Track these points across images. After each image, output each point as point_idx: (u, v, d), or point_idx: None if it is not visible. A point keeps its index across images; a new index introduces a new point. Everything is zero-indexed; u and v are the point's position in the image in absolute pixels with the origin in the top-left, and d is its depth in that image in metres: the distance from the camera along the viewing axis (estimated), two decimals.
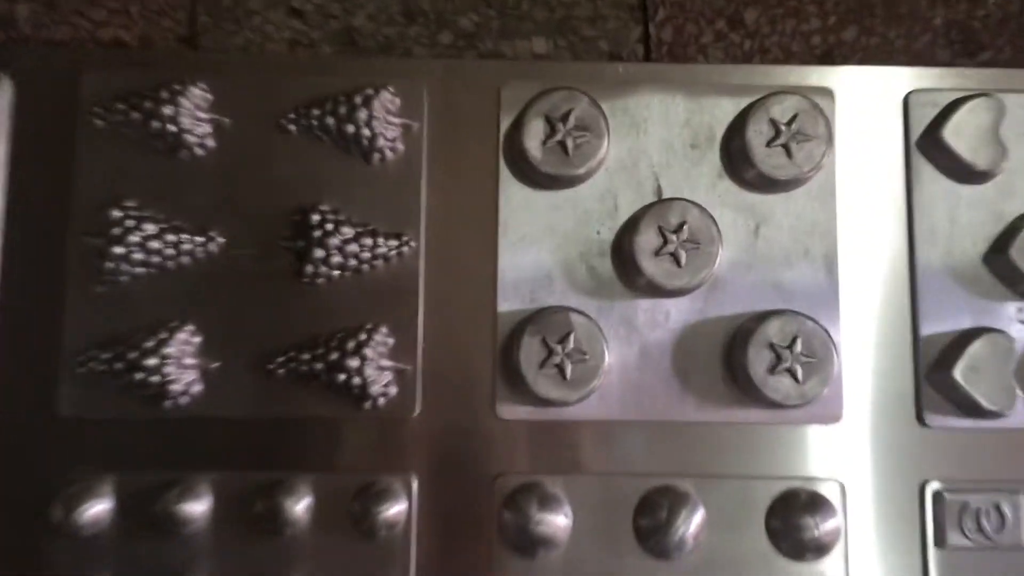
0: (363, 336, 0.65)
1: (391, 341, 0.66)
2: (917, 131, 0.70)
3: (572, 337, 0.65)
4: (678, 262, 0.65)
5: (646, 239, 0.66)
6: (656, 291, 0.66)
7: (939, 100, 0.70)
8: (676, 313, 0.68)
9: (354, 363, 0.64)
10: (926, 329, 0.68)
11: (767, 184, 0.68)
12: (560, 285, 0.68)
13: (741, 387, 0.66)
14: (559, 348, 0.64)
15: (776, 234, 0.69)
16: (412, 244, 0.68)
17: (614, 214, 0.69)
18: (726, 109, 0.70)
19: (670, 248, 0.65)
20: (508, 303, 0.67)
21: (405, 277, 0.67)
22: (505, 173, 0.69)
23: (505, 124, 0.69)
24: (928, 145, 0.69)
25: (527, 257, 0.68)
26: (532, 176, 0.68)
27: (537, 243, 0.68)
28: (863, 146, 0.70)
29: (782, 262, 0.68)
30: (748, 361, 0.65)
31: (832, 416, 0.67)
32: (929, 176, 0.69)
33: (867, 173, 0.70)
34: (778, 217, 0.69)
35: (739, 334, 0.67)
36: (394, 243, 0.67)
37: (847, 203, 0.69)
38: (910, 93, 0.70)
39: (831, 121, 0.68)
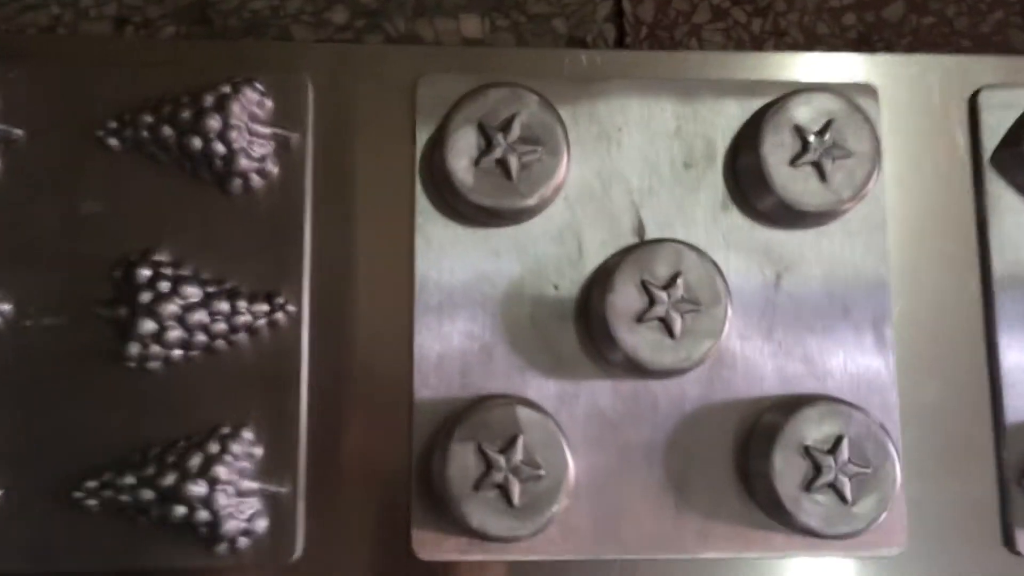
0: (214, 447, 0.44)
1: (258, 452, 0.46)
2: (991, 142, 0.51)
3: (520, 443, 0.44)
4: (670, 330, 0.45)
5: (624, 298, 0.46)
6: (640, 371, 0.47)
7: (1018, 100, 0.51)
8: (668, 402, 0.48)
9: (199, 489, 0.43)
10: (1013, 416, 0.49)
11: (791, 217, 0.49)
12: (502, 364, 0.48)
13: (763, 506, 0.47)
14: (502, 460, 0.44)
15: (805, 287, 0.49)
16: (290, 308, 0.47)
17: (578, 262, 0.49)
18: (731, 114, 0.50)
19: (658, 311, 0.45)
20: (429, 390, 0.47)
21: (280, 356, 0.47)
22: (423, 204, 0.49)
23: (423, 136, 0.49)
24: (1007, 160, 0.50)
25: (455, 323, 0.48)
26: (461, 208, 0.48)
27: (470, 303, 0.48)
28: (916, 163, 0.51)
29: (815, 326, 0.49)
30: (773, 471, 0.45)
31: (892, 544, 0.47)
32: (1010, 203, 0.50)
33: (926, 201, 0.51)
34: (808, 263, 0.49)
35: (759, 432, 0.47)
36: (263, 308, 0.47)
37: (901, 243, 0.50)
38: (979, 90, 0.51)
39: (877, 129, 0.48)
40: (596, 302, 0.47)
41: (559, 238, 0.49)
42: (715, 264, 0.47)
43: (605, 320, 0.46)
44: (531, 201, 0.47)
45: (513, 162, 0.46)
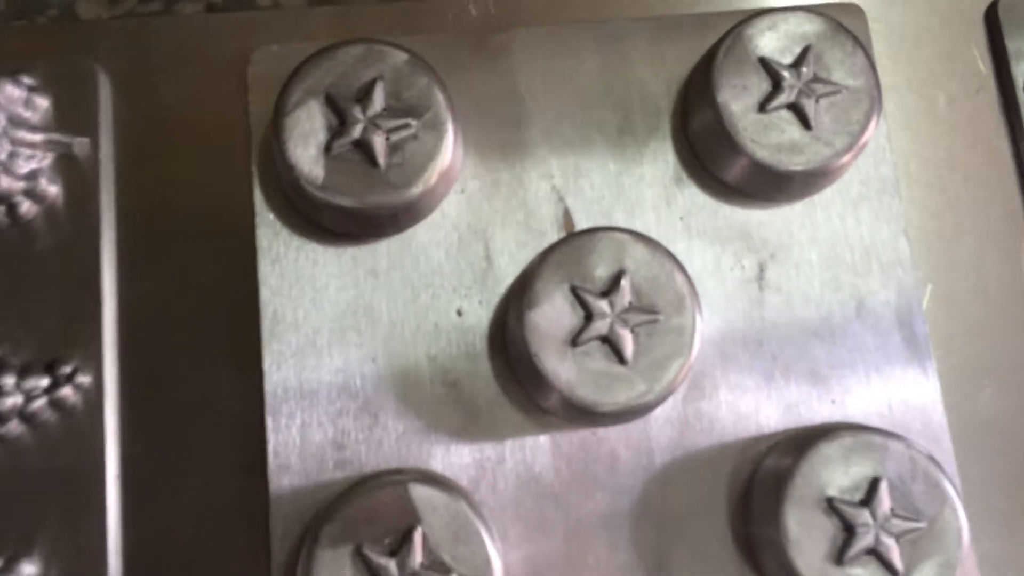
0: None
1: None
2: (1022, 64, 0.38)
3: (418, 538, 0.31)
4: (618, 353, 0.32)
5: (550, 314, 0.32)
6: (585, 415, 0.33)
7: None
8: (631, 456, 0.34)
9: None
10: None
11: (770, 184, 0.36)
12: (392, 427, 0.34)
13: None
14: (392, 567, 0.30)
15: (799, 278, 0.36)
16: (83, 380, 0.33)
17: (486, 275, 0.35)
18: (675, 58, 0.38)
19: (598, 327, 0.32)
20: (289, 476, 0.33)
21: (74, 449, 0.33)
22: (266, 217, 0.35)
23: (259, 127, 0.36)
24: None
25: (322, 376, 0.34)
26: (316, 216, 0.35)
27: (341, 346, 0.34)
28: (925, 100, 0.39)
29: (819, 329, 0.36)
30: (786, 538, 0.31)
31: None
32: None
33: (945, 147, 0.38)
34: (799, 245, 0.36)
35: (760, 484, 0.34)
36: (40, 382, 0.33)
37: (921, 205, 0.37)
38: (995, 1, 0.39)
39: (871, 54, 0.36)
40: (514, 325, 0.33)
41: (458, 245, 0.36)
42: (671, 255, 0.33)
43: (527, 348, 0.32)
44: (410, 194, 0.34)
45: (377, 142, 0.33)
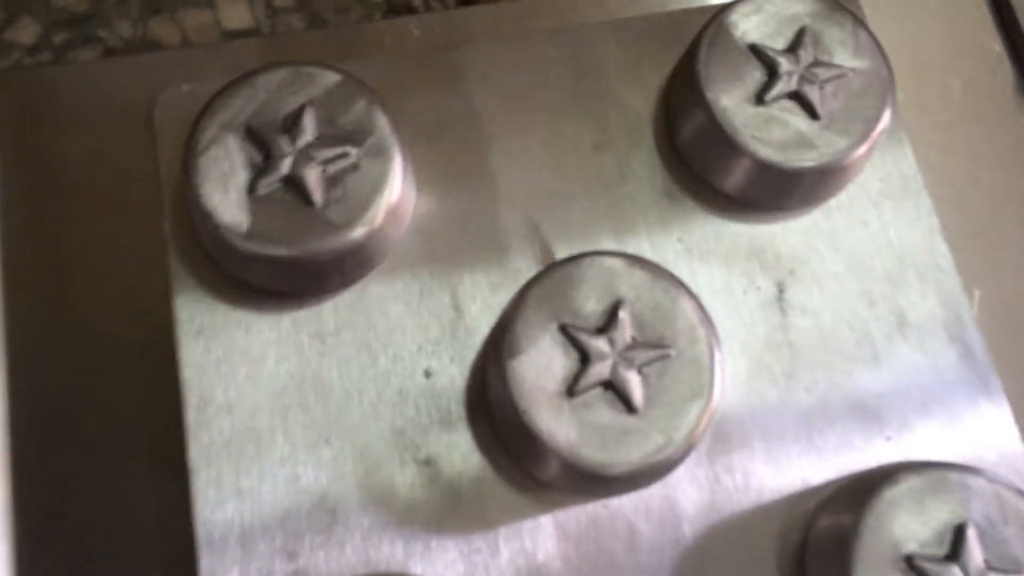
0: None
1: None
2: None
3: None
4: (626, 400, 0.26)
5: (537, 362, 0.26)
6: (592, 483, 0.27)
7: None
8: (653, 529, 0.28)
9: None
10: None
11: (779, 189, 0.30)
12: (356, 526, 0.27)
13: None
14: None
15: (827, 295, 0.30)
16: None
17: (455, 325, 0.29)
18: (652, 59, 0.33)
19: (598, 370, 0.26)
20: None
21: None
22: (184, 281, 0.29)
23: (171, 176, 0.30)
24: None
25: (264, 468, 0.28)
26: (243, 272, 0.29)
27: (286, 430, 0.28)
28: (937, 80, 0.34)
29: (857, 354, 0.30)
30: None
31: None
32: None
33: (965, 129, 0.33)
34: (820, 257, 0.31)
35: (816, 549, 0.27)
36: None
37: (955, 200, 0.32)
38: None
39: (868, 27, 0.31)
40: (495, 380, 0.27)
41: (419, 295, 0.30)
42: (674, 278, 0.28)
43: (514, 406, 0.26)
44: (354, 235, 0.28)
45: (311, 176, 0.28)
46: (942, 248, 0.31)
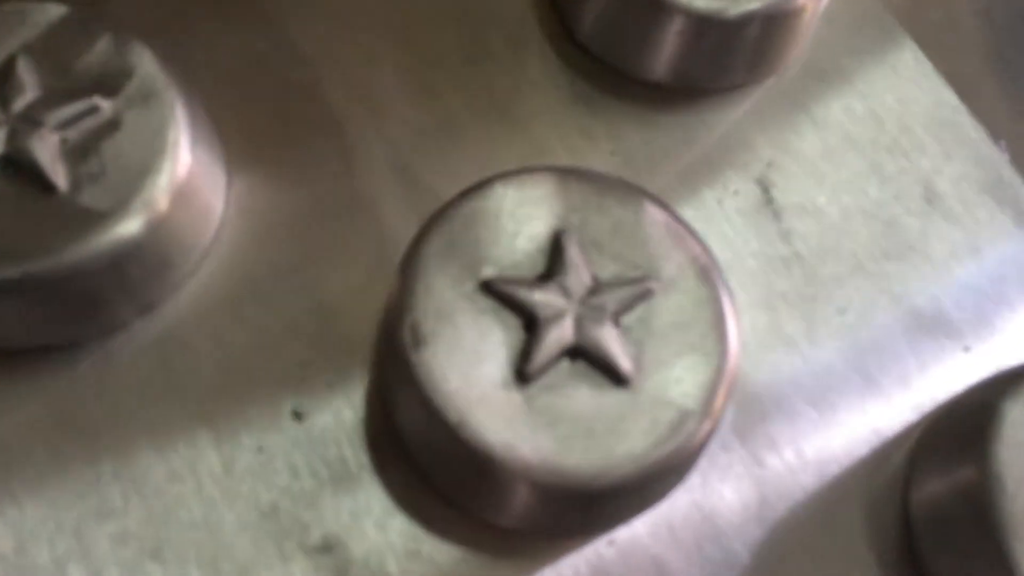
0: None
1: None
2: None
3: None
4: (609, 366, 0.17)
5: (460, 341, 0.17)
6: (583, 510, 0.17)
7: None
8: (686, 556, 0.18)
9: None
10: None
11: (721, 56, 0.22)
12: None
13: None
14: None
15: (821, 184, 0.22)
16: None
17: (322, 335, 0.19)
18: None
19: (558, 334, 0.17)
20: None
21: None
22: None
23: None
24: None
25: None
26: None
27: (72, 551, 0.17)
28: None
29: (887, 245, 0.21)
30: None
31: None
32: None
33: None
34: (799, 136, 0.23)
35: (922, 513, 0.18)
36: None
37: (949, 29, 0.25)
38: None
39: None
40: (402, 393, 0.17)
41: (259, 302, 0.20)
42: (629, 185, 0.19)
43: (439, 422, 0.16)
44: (128, 226, 0.18)
45: (43, 148, 0.18)
46: (950, 97, 0.23)
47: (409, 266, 0.18)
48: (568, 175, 0.19)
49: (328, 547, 0.18)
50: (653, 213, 0.18)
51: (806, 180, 0.22)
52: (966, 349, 0.20)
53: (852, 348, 0.20)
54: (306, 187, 0.21)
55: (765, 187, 0.22)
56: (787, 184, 0.22)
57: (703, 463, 0.19)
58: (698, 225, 0.19)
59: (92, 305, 0.18)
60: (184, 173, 0.18)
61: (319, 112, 0.22)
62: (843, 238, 0.21)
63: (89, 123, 0.18)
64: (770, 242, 0.21)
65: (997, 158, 0.22)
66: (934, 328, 0.21)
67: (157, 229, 0.18)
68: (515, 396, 0.17)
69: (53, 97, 0.18)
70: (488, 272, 0.18)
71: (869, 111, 0.23)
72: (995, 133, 0.23)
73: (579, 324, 0.17)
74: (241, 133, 0.21)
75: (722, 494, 0.19)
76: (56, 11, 0.19)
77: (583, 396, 0.17)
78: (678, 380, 0.17)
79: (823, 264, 0.21)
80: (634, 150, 0.22)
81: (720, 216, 0.21)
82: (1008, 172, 0.22)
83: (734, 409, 0.19)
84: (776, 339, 0.20)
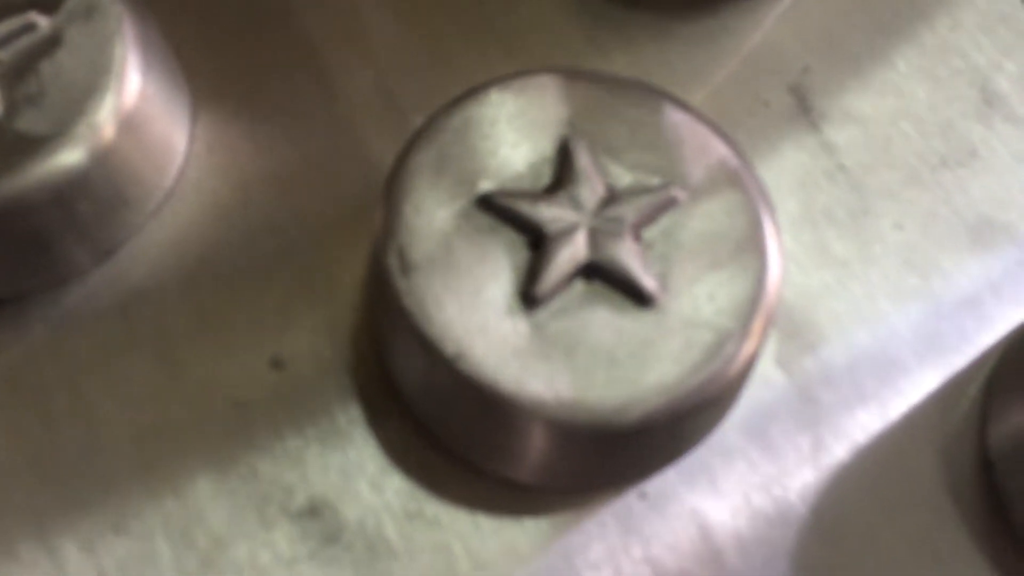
0: None
1: None
2: None
3: None
4: (631, 286, 0.14)
5: (456, 266, 0.14)
6: (605, 454, 0.14)
7: None
8: (727, 532, 0.16)
9: None
10: None
11: None
12: None
13: None
14: None
15: (864, 93, 0.19)
16: None
17: (304, 277, 0.17)
18: None
19: (570, 251, 0.14)
20: None
21: None
22: None
23: None
24: None
25: None
26: None
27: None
28: None
29: (945, 152, 0.19)
30: None
31: None
32: None
33: None
34: (838, 33, 0.20)
35: (1004, 454, 0.15)
36: None
37: None
38: None
39: None
40: (393, 328, 0.15)
41: (233, 245, 0.17)
42: (645, 84, 0.16)
43: (438, 358, 0.14)
44: (72, 155, 0.15)
45: None
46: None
47: (395, 185, 0.15)
48: (575, 77, 0.16)
49: (315, 510, 0.15)
50: (674, 114, 0.16)
51: (846, 86, 0.19)
52: None
53: (911, 267, 0.18)
54: (281, 118, 0.19)
55: (800, 95, 0.19)
56: (825, 91, 0.19)
57: (744, 400, 0.16)
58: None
59: (39, 248, 0.16)
60: (134, 96, 0.16)
61: (293, 35, 0.19)
62: (895, 147, 0.19)
63: (25, 41, 0.16)
64: (812, 156, 0.19)
65: None
66: (1003, 241, 0.18)
67: (105, 159, 0.16)
68: (522, 323, 0.14)
69: None
70: (486, 186, 0.15)
71: (914, 8, 0.20)
72: None
73: (593, 239, 0.15)
74: (206, 60, 0.19)
75: (770, 436, 0.16)
76: None
77: (601, 320, 0.14)
78: (711, 297, 0.14)
79: (872, 176, 0.18)
80: (649, 60, 0.19)
81: (752, 128, 0.19)
82: None
83: (777, 337, 0.17)
84: (824, 259, 0.18)
